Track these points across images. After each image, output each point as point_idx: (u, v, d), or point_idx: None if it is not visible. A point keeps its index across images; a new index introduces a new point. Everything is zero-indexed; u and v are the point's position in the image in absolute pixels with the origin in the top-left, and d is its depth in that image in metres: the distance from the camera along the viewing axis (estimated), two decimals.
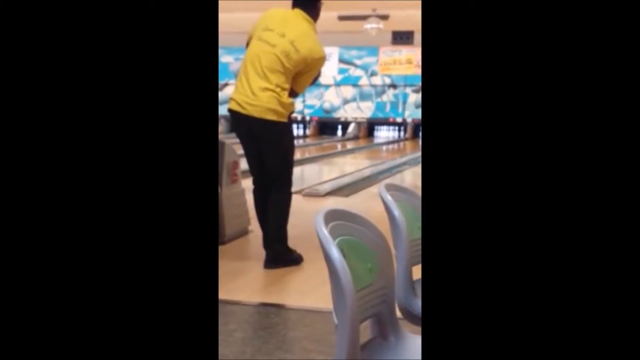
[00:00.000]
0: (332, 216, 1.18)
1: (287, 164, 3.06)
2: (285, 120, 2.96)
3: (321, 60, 3.02)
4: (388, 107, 14.11)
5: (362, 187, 6.43)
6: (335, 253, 1.05)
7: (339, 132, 14.63)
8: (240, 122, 2.98)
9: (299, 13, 3.00)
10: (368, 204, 4.94)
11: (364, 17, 10.07)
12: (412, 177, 8.01)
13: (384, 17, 10.11)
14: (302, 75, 2.98)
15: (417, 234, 1.59)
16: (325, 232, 1.10)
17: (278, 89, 2.89)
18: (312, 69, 3.00)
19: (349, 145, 12.57)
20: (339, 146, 12.36)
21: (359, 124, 14.33)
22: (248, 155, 3.09)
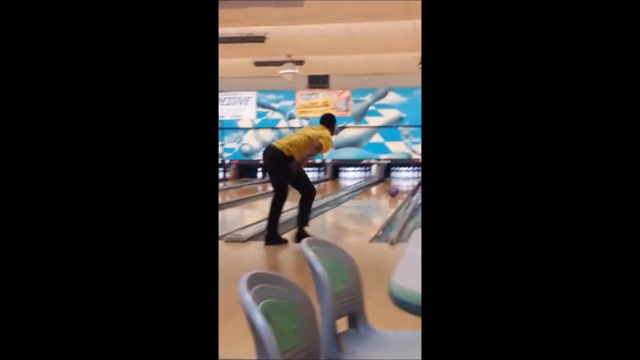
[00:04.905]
0: (255, 280, 1.19)
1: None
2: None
3: (315, 141, 5.39)
4: None
5: (284, 230, 6.43)
6: (259, 320, 1.06)
7: (259, 175, 14.64)
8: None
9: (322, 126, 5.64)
10: (292, 249, 4.95)
11: (279, 63, 10.24)
12: (334, 218, 8.10)
13: (299, 62, 10.33)
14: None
15: (340, 287, 1.63)
16: (248, 297, 1.11)
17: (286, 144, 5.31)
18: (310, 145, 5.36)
19: (270, 187, 12.57)
20: (260, 188, 12.35)
21: None
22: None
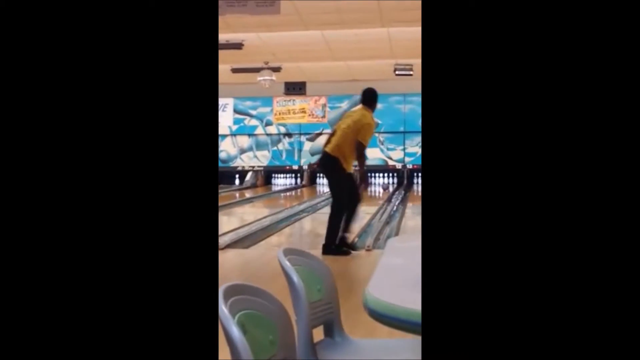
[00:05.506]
0: (232, 291, 1.20)
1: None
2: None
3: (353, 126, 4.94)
4: (284, 155, 14.32)
5: (262, 237, 6.43)
6: (235, 332, 1.07)
7: (237, 181, 14.62)
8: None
9: (362, 107, 5.09)
10: (269, 256, 4.95)
11: (256, 70, 10.24)
12: (311, 224, 8.11)
13: (276, 69, 10.34)
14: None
15: (317, 296, 1.64)
16: (224, 309, 1.11)
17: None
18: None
19: (247, 194, 12.55)
20: (237, 195, 12.31)
21: (256, 172, 14.40)
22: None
